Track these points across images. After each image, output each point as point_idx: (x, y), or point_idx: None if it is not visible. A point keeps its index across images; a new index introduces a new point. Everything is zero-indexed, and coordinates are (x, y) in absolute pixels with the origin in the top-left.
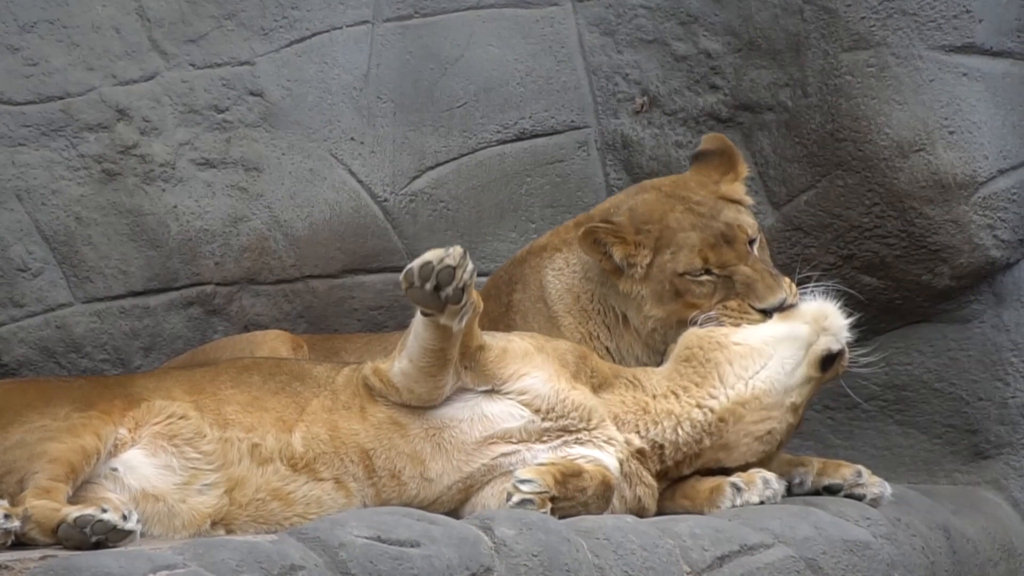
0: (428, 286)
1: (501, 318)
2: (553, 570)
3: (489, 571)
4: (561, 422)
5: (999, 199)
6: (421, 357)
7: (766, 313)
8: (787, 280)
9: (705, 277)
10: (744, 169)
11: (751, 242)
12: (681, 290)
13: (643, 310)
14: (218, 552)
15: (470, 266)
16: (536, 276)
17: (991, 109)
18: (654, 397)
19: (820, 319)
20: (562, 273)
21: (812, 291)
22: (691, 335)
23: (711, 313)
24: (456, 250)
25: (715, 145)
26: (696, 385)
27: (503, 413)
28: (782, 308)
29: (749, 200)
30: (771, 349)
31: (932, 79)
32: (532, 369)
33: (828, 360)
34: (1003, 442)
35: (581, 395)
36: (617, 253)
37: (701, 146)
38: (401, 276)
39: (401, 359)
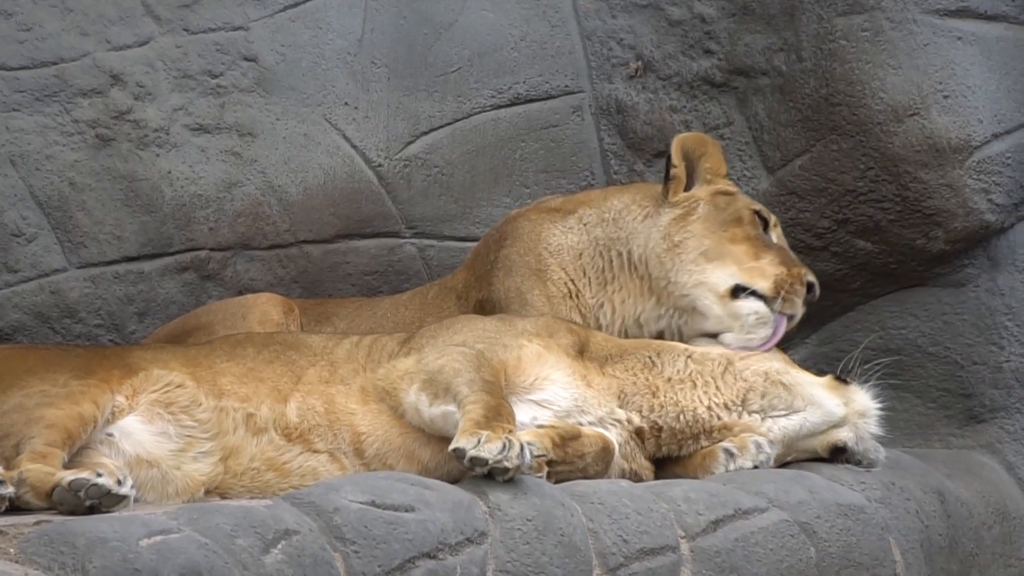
0: (478, 470)
1: (486, 275)
2: (547, 534)
3: (484, 535)
4: (579, 420)
5: (994, 163)
6: (442, 429)
7: (809, 289)
8: None
9: (764, 233)
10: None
11: None
12: (744, 220)
13: (685, 222)
14: (212, 517)
15: (526, 463)
16: (534, 230)
17: (985, 73)
18: (668, 380)
19: (861, 412)
20: (571, 231)
21: None
22: (755, 356)
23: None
24: (514, 450)
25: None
26: (719, 390)
27: (519, 412)
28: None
29: None
30: (804, 405)
31: (926, 43)
32: (550, 371)
33: (838, 450)
34: (997, 406)
35: (596, 394)
36: (709, 162)
37: None
38: (451, 446)
39: (421, 399)
